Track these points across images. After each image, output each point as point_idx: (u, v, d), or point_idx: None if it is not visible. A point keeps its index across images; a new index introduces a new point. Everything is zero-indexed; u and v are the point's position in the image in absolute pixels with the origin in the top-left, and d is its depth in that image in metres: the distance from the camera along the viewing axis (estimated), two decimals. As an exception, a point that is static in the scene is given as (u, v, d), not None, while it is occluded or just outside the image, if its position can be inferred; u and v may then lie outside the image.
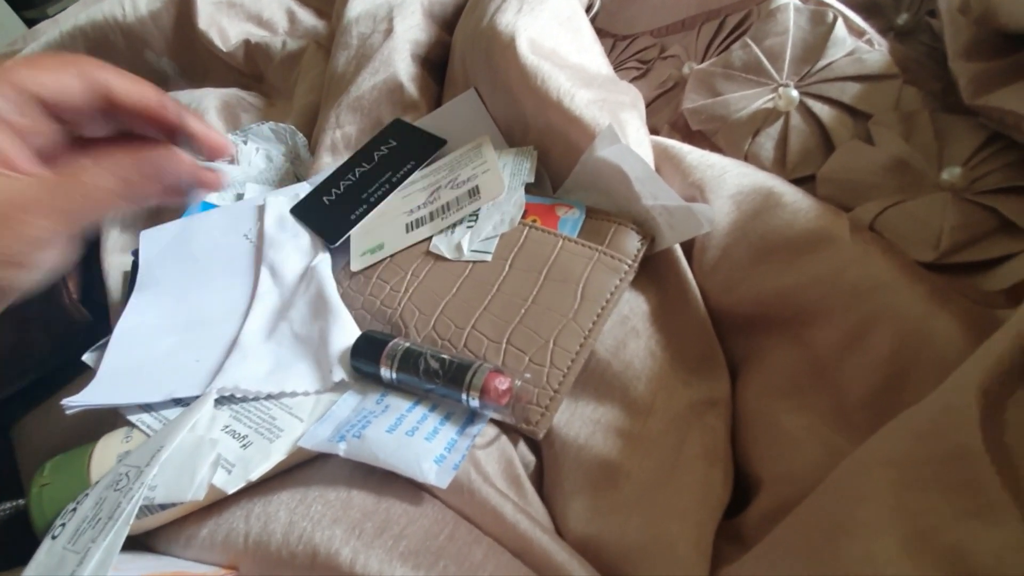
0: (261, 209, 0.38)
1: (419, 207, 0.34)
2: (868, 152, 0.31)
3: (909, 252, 0.26)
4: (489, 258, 0.30)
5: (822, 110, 0.34)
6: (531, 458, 0.26)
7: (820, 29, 0.36)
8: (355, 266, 0.34)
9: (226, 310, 0.34)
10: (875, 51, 0.35)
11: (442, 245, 0.31)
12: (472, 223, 0.31)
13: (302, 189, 0.40)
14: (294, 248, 0.36)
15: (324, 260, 0.34)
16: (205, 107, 0.51)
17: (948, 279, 0.24)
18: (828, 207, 0.26)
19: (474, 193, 0.32)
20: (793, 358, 0.24)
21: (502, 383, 0.24)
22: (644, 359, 0.26)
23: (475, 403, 0.24)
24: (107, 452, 0.26)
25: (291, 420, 0.26)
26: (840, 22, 0.36)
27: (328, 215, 0.37)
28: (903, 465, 0.18)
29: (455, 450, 0.24)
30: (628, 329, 0.27)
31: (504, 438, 0.25)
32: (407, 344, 0.27)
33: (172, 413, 0.28)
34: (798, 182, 0.33)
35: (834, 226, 0.25)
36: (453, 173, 0.35)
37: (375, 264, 0.33)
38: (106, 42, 0.60)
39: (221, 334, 0.32)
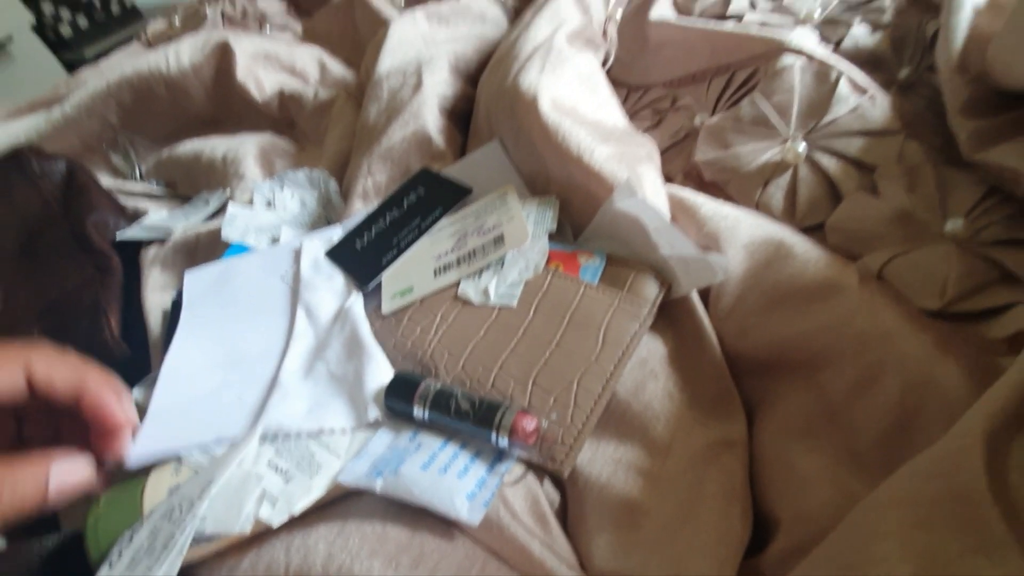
0: (297, 252, 0.41)
1: (447, 252, 0.36)
2: (873, 203, 0.33)
3: (915, 300, 0.27)
4: (515, 303, 0.31)
5: (829, 163, 0.36)
6: (556, 495, 0.27)
7: (824, 87, 0.38)
8: (386, 309, 0.35)
9: (264, 349, 0.35)
10: (877, 107, 0.37)
11: (469, 290, 0.33)
12: (498, 269, 0.33)
13: (335, 233, 0.42)
14: (328, 290, 0.38)
15: (357, 301, 0.36)
16: (244, 153, 0.54)
17: (953, 327, 0.25)
18: (837, 257, 0.28)
19: (499, 241, 0.34)
20: (807, 401, 0.25)
21: (530, 423, 0.25)
22: (663, 400, 0.27)
23: (504, 442, 0.26)
24: (159, 485, 0.27)
25: (329, 456, 0.28)
26: (843, 80, 0.38)
27: (360, 259, 0.39)
28: (914, 505, 0.19)
29: (485, 487, 0.25)
30: (647, 371, 0.28)
31: (531, 476, 0.27)
32: (439, 385, 0.28)
33: (217, 447, 0.30)
34: (807, 231, 0.34)
35: (842, 276, 0.26)
36: (479, 220, 0.37)
37: (405, 307, 0.35)
38: (150, 92, 0.64)
39: (261, 373, 0.34)
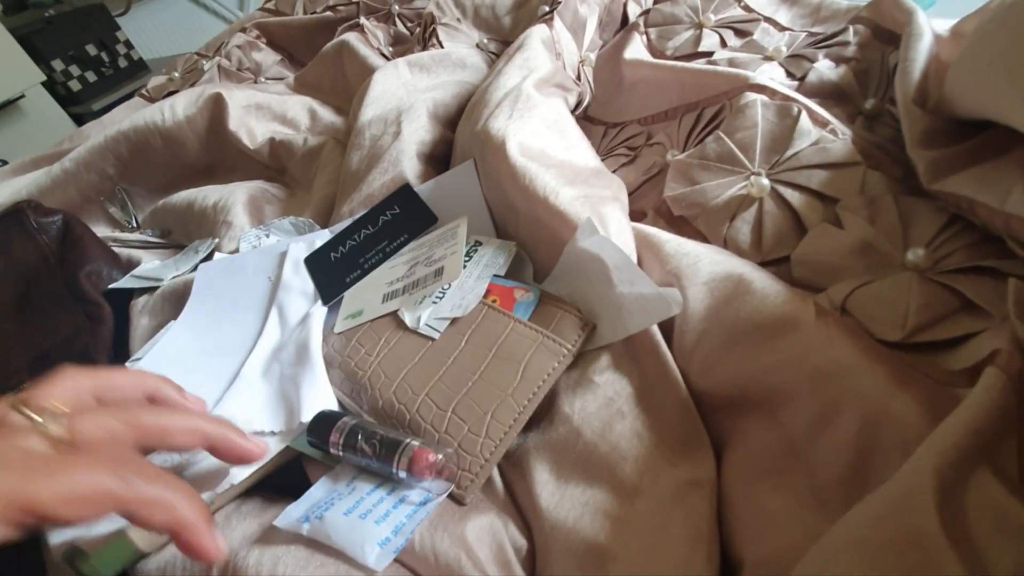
0: (283, 255, 0.43)
1: (397, 279, 0.38)
2: (836, 235, 0.33)
3: (877, 332, 0.27)
4: (437, 335, 0.33)
5: (792, 196, 0.36)
6: (522, 542, 0.27)
7: (786, 122, 0.39)
8: (337, 328, 0.37)
9: (238, 344, 0.38)
10: (838, 140, 0.38)
11: (407, 314, 0.35)
12: (438, 299, 0.34)
13: (321, 237, 0.44)
14: (301, 293, 0.40)
15: (320, 310, 0.38)
16: (233, 201, 0.55)
17: (911, 359, 0.25)
18: (795, 292, 0.28)
19: (439, 273, 0.36)
20: (770, 439, 0.25)
21: (428, 458, 0.27)
22: (631, 440, 0.27)
23: (403, 475, 0.27)
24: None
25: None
26: (804, 115, 0.39)
27: (330, 273, 0.41)
28: (865, 549, 0.18)
29: (401, 533, 0.26)
30: (614, 411, 0.28)
31: (497, 522, 0.27)
32: (353, 422, 0.29)
33: None
34: (775, 263, 0.35)
35: (799, 311, 0.26)
36: (431, 251, 0.38)
37: (356, 328, 0.36)
38: (146, 144, 0.66)
39: (228, 366, 0.36)
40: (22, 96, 1.56)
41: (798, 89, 0.46)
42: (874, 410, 0.23)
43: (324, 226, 0.51)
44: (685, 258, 0.30)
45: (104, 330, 0.48)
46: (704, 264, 0.30)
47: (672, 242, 0.32)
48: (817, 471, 0.23)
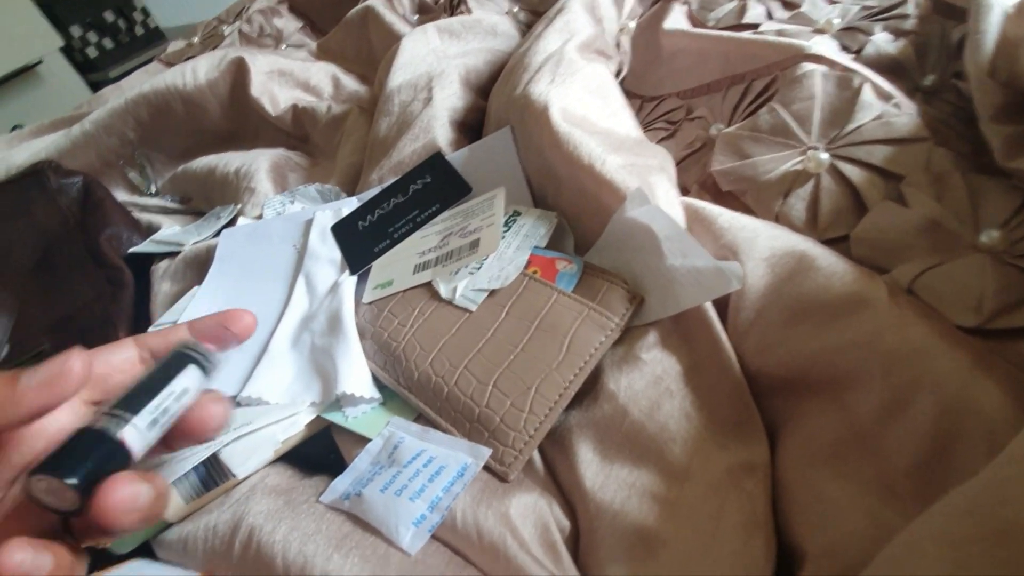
0: (309, 223, 0.42)
1: (430, 250, 0.36)
2: (901, 213, 0.31)
3: (950, 316, 0.26)
4: (474, 308, 0.31)
5: (852, 172, 0.34)
6: (566, 523, 0.25)
7: (847, 94, 0.37)
8: (366, 298, 0.36)
9: (265, 313, 0.37)
10: (903, 114, 0.36)
11: (441, 284, 0.33)
12: (475, 270, 0.33)
13: (348, 205, 0.42)
14: (328, 261, 0.39)
15: (350, 281, 0.37)
16: (256, 168, 0.54)
17: (991, 345, 0.23)
18: (863, 270, 0.26)
19: (475, 245, 0.34)
20: (833, 423, 0.24)
21: None
22: (679, 421, 0.26)
23: None
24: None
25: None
26: (867, 87, 0.37)
27: (358, 242, 0.39)
28: (954, 543, 0.17)
29: (436, 509, 0.25)
30: (662, 390, 0.27)
31: (542, 502, 0.25)
32: None
33: None
34: (830, 243, 0.33)
35: (870, 289, 0.25)
36: (465, 221, 0.36)
37: (387, 298, 0.35)
38: (167, 108, 0.65)
39: (256, 336, 0.34)
40: (40, 62, 1.55)
41: (855, 62, 0.43)
42: (953, 397, 0.21)
43: (350, 195, 0.50)
44: (742, 232, 0.29)
45: (125, 295, 0.47)
46: (763, 239, 0.28)
47: (725, 215, 0.30)
48: (887, 459, 0.22)
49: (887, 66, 0.44)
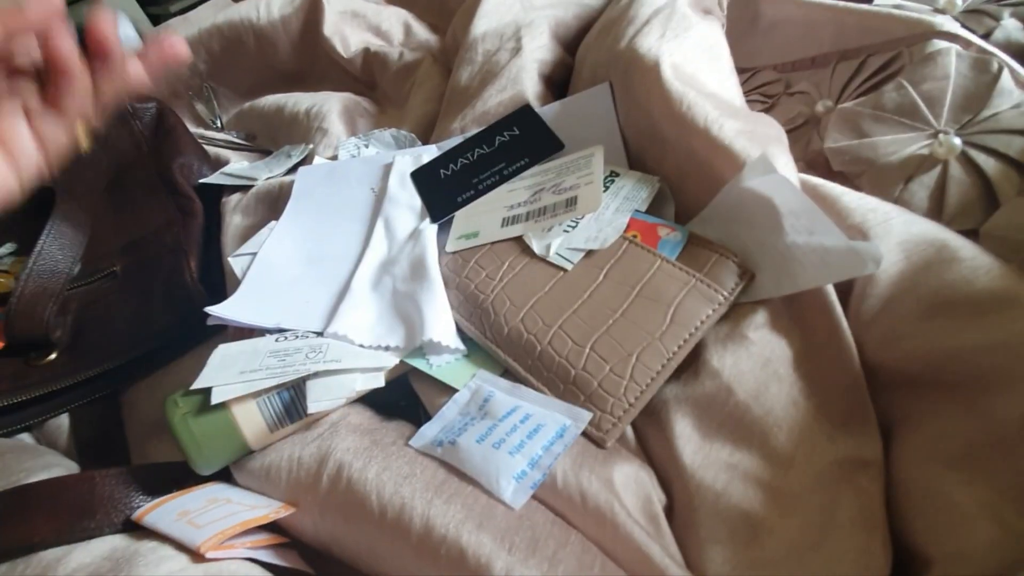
0: (388, 167, 0.41)
1: (520, 204, 0.35)
2: (1042, 211, 0.29)
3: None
4: (570, 267, 0.30)
5: (986, 162, 0.32)
6: (663, 496, 0.24)
7: (984, 78, 0.34)
8: (450, 247, 0.35)
9: (343, 253, 0.36)
10: (1048, 104, 0.33)
11: (534, 239, 0.32)
12: (570, 228, 0.32)
13: (428, 152, 0.42)
14: (408, 207, 0.38)
15: (431, 228, 0.36)
16: (328, 109, 0.53)
17: None
18: (1012, 267, 0.24)
19: (572, 203, 0.32)
20: (967, 426, 0.22)
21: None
22: (786, 406, 0.25)
23: None
24: (250, 419, 0.27)
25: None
26: (1006, 72, 0.34)
27: (440, 190, 0.38)
28: None
29: (537, 467, 0.24)
30: (770, 373, 0.25)
31: (643, 473, 0.24)
32: None
33: (288, 337, 0.31)
34: (954, 235, 0.30)
35: (1021, 288, 0.23)
36: (559, 178, 0.35)
37: (473, 249, 0.34)
38: (239, 42, 0.63)
39: (336, 275, 0.35)
40: (101, -10, 1.55)
41: (985, 45, 0.40)
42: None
43: (424, 143, 0.48)
44: (872, 214, 0.26)
45: (195, 224, 0.47)
46: (897, 223, 0.26)
47: (850, 195, 0.28)
48: (1033, 470, 0.20)
49: (1016, 54, 0.41)
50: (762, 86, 0.49)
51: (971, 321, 0.23)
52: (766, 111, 0.46)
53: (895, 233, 0.25)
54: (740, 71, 0.51)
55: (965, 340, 0.22)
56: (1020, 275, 0.24)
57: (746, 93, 0.48)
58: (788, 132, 0.42)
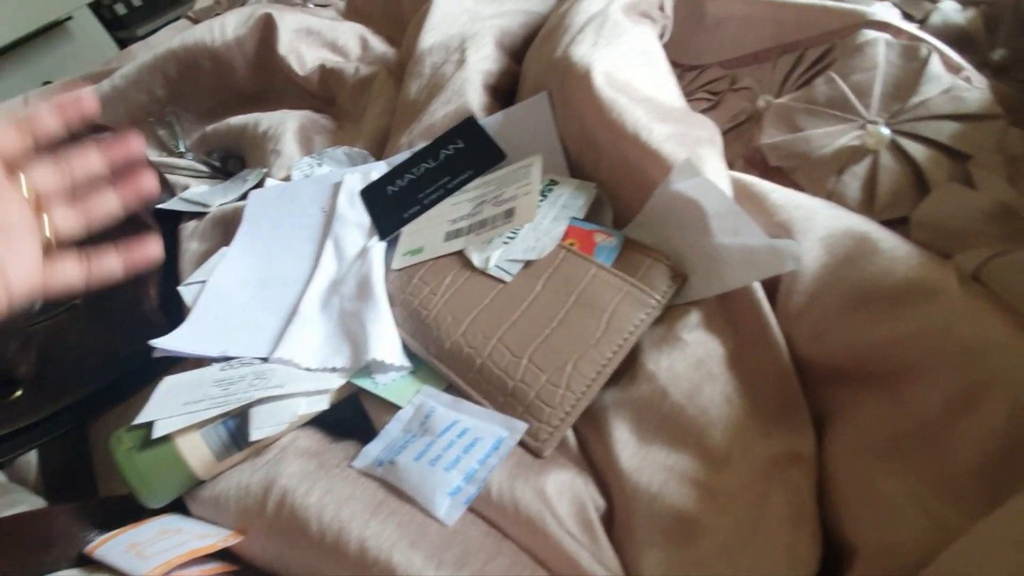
0: (338, 186, 0.41)
1: (462, 217, 0.36)
2: (969, 196, 0.29)
3: (1020, 307, 0.24)
4: (509, 279, 0.31)
5: (916, 149, 0.32)
6: (601, 502, 0.25)
7: (913, 65, 0.34)
8: (395, 264, 0.35)
9: (294, 275, 0.37)
10: (974, 89, 0.33)
11: (474, 253, 0.33)
12: (509, 240, 0.32)
13: (377, 169, 0.42)
14: (356, 225, 0.38)
15: (379, 246, 0.36)
16: (284, 130, 0.53)
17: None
18: (931, 256, 0.24)
19: (510, 214, 0.33)
20: (891, 417, 0.22)
21: None
22: (720, 405, 0.25)
23: None
24: (195, 450, 0.27)
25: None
26: (935, 57, 0.34)
27: (388, 207, 0.39)
28: (1031, 549, 0.16)
29: (473, 481, 0.24)
30: (704, 373, 0.25)
31: (578, 480, 0.25)
32: None
33: (237, 365, 0.31)
34: (887, 225, 0.31)
35: (940, 277, 0.23)
36: (499, 189, 0.35)
37: (417, 265, 0.34)
38: (195, 65, 0.63)
39: (285, 298, 0.35)
40: (69, 17, 1.55)
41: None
42: (1030, 395, 0.20)
43: (378, 159, 0.49)
44: (797, 210, 0.27)
45: (153, 252, 0.47)
46: (821, 218, 0.26)
47: (778, 192, 0.29)
48: (952, 458, 0.21)
49: (953, 37, 0.41)
50: (709, 83, 0.49)
51: (890, 312, 0.23)
52: (712, 108, 0.46)
53: (818, 228, 0.26)
54: (689, 69, 0.52)
55: (885, 331, 0.23)
56: (938, 264, 0.24)
57: (694, 91, 0.49)
58: (732, 128, 0.43)
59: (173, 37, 0.65)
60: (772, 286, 0.26)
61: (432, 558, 0.22)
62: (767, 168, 0.37)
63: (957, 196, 0.29)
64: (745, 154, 0.39)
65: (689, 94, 0.49)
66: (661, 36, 0.51)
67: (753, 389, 0.25)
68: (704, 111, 0.46)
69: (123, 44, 1.67)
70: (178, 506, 0.30)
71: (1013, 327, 0.21)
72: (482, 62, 0.45)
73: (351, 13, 0.74)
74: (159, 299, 0.45)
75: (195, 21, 0.86)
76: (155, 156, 0.62)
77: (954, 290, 0.22)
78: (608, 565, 0.22)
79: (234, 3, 0.86)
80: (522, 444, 0.25)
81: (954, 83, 0.33)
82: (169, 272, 0.46)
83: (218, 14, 0.82)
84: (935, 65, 0.34)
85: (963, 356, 0.21)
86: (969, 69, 0.34)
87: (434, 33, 0.50)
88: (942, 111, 0.32)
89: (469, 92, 0.43)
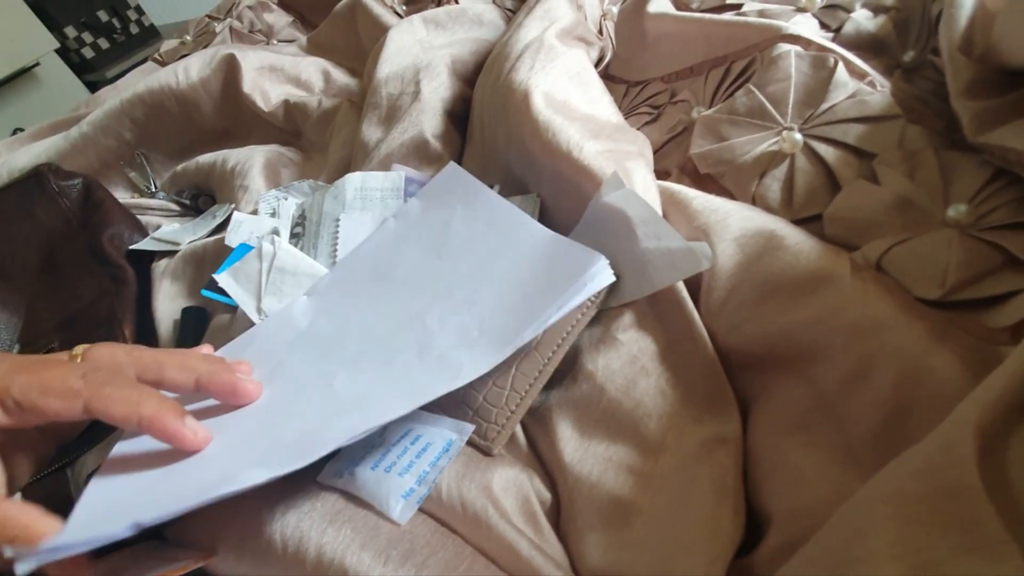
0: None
1: None
2: (873, 191, 0.32)
3: (915, 290, 0.26)
4: None
5: (826, 151, 0.35)
6: (547, 495, 0.27)
7: (821, 74, 0.37)
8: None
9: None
10: (877, 92, 0.36)
11: None
12: None
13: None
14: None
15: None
16: (251, 165, 0.55)
17: (951, 316, 0.24)
18: (829, 248, 0.27)
19: None
20: (800, 396, 0.25)
21: None
22: (654, 398, 0.27)
23: None
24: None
25: None
26: (841, 66, 0.37)
27: None
28: (902, 502, 0.18)
29: (424, 482, 0.26)
30: (638, 369, 0.28)
31: (523, 475, 0.27)
32: None
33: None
34: (805, 221, 0.34)
35: (834, 266, 0.26)
36: None
37: None
38: (161, 108, 0.65)
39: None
40: (37, 64, 1.56)
41: (834, 40, 0.44)
42: (911, 366, 0.22)
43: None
44: (714, 214, 0.29)
45: (128, 292, 0.49)
46: (734, 220, 0.29)
47: (700, 199, 0.31)
48: (850, 428, 0.23)
49: (867, 43, 0.45)
50: (651, 97, 0.52)
51: (794, 301, 0.25)
52: (654, 120, 0.49)
53: (732, 229, 0.28)
54: (634, 84, 0.55)
55: (790, 319, 0.25)
56: (835, 254, 0.27)
57: (638, 105, 0.52)
58: (670, 139, 0.46)
59: (139, 81, 0.67)
60: (695, 285, 0.29)
61: (380, 555, 0.23)
62: (699, 176, 0.40)
63: (863, 192, 0.32)
64: (680, 163, 0.42)
65: (634, 108, 0.52)
66: (602, 58, 0.54)
67: (683, 380, 0.27)
68: (646, 123, 0.49)
69: (93, 87, 1.69)
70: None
71: (898, 307, 0.24)
72: (437, 91, 0.48)
73: (313, 48, 0.77)
74: (135, 338, 0.47)
75: (162, 63, 0.88)
76: (127, 198, 0.64)
77: (846, 277, 0.25)
78: (549, 553, 0.24)
79: (199, 44, 0.88)
80: (474, 445, 0.27)
81: (859, 88, 0.37)
82: (142, 311, 0.48)
83: (185, 55, 0.84)
84: (841, 73, 0.37)
85: (853, 335, 0.23)
86: (873, 74, 0.38)
87: (389, 64, 0.53)
88: (848, 115, 0.35)
89: (424, 122, 0.45)
